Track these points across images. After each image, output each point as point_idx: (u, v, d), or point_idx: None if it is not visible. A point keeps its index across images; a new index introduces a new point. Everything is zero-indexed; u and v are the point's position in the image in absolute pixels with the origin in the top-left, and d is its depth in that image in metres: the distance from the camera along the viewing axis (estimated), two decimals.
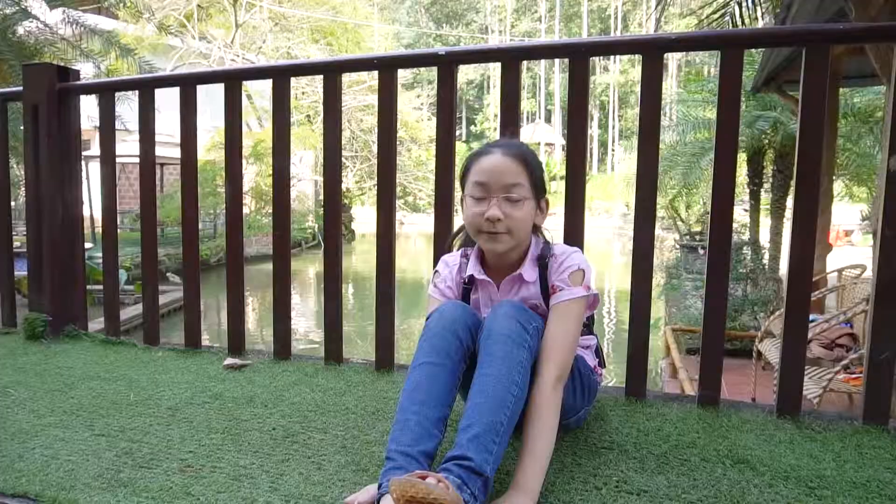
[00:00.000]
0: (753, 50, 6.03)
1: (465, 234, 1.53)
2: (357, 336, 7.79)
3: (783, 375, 1.63)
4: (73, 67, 2.46)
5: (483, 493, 1.07)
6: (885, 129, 1.57)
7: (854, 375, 3.30)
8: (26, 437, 1.48)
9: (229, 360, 2.07)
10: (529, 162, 1.36)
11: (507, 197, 1.33)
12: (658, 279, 8.19)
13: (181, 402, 1.71)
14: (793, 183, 1.62)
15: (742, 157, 8.50)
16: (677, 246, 11.39)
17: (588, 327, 1.51)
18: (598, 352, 1.56)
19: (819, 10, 3.67)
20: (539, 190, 1.39)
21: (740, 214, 9.80)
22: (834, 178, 6.45)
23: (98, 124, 2.36)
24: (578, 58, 1.77)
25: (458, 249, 1.54)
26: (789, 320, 1.62)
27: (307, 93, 19.95)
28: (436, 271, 1.53)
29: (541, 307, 1.39)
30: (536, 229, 1.45)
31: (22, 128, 2.41)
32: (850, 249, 13.03)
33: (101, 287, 2.45)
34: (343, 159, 2.14)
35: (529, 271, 1.40)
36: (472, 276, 1.45)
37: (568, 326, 1.31)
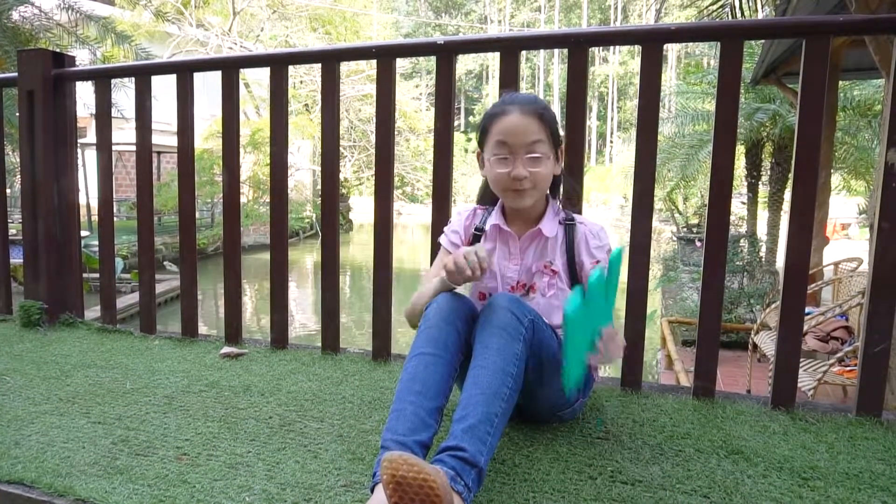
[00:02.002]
0: (753, 42, 6.00)
1: (482, 192, 1.60)
2: (354, 326, 7.80)
3: (778, 367, 1.64)
4: (69, 54, 2.44)
5: (476, 484, 1.08)
6: (883, 123, 1.57)
7: (849, 368, 3.32)
8: (22, 425, 1.48)
9: (226, 349, 2.07)
10: (546, 118, 1.40)
11: (529, 156, 1.38)
12: (655, 271, 8.21)
13: (178, 390, 1.71)
14: (791, 176, 1.62)
15: (740, 150, 8.51)
16: (674, 238, 11.40)
17: None
18: None
19: (820, 2, 3.66)
20: (556, 141, 1.44)
21: (738, 207, 9.82)
22: (832, 171, 6.46)
23: (94, 111, 2.34)
24: (577, 48, 1.76)
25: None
26: (785, 313, 1.62)
27: (305, 82, 19.85)
28: (450, 221, 1.61)
29: (555, 265, 1.44)
30: (556, 182, 1.53)
31: (17, 114, 2.40)
32: (847, 243, 13.06)
33: (97, 275, 2.44)
34: (341, 149, 2.14)
35: (549, 226, 1.46)
36: (482, 228, 1.52)
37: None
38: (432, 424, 1.17)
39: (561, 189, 1.60)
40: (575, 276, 1.46)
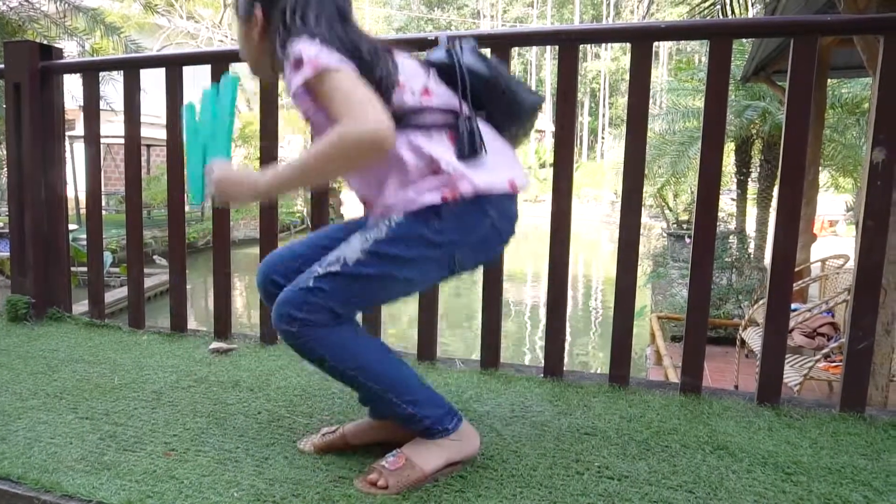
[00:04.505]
0: (744, 39, 6.03)
1: None
2: None
3: (764, 363, 1.65)
4: (57, 45, 2.41)
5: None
6: (869, 122, 1.58)
7: (834, 363, 3.36)
8: (9, 420, 1.47)
9: (215, 344, 2.07)
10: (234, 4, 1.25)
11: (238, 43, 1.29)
12: (645, 267, 8.24)
13: (166, 385, 1.71)
14: (779, 173, 1.64)
15: (730, 147, 8.55)
16: (665, 234, 11.46)
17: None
18: (463, 145, 1.17)
19: (808, 1, 3.68)
20: (248, 9, 1.21)
21: (727, 203, 9.88)
22: (820, 168, 6.51)
23: (82, 104, 2.32)
24: (568, 45, 1.77)
25: None
26: (771, 309, 1.64)
27: None
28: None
29: (311, 112, 1.18)
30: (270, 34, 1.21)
31: (4, 106, 2.37)
32: (834, 239, 13.18)
33: (85, 269, 2.42)
34: None
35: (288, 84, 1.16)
36: None
37: (331, 109, 1.08)
38: None
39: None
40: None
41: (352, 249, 1.18)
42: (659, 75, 27.32)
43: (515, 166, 1.26)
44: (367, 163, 1.13)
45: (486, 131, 1.22)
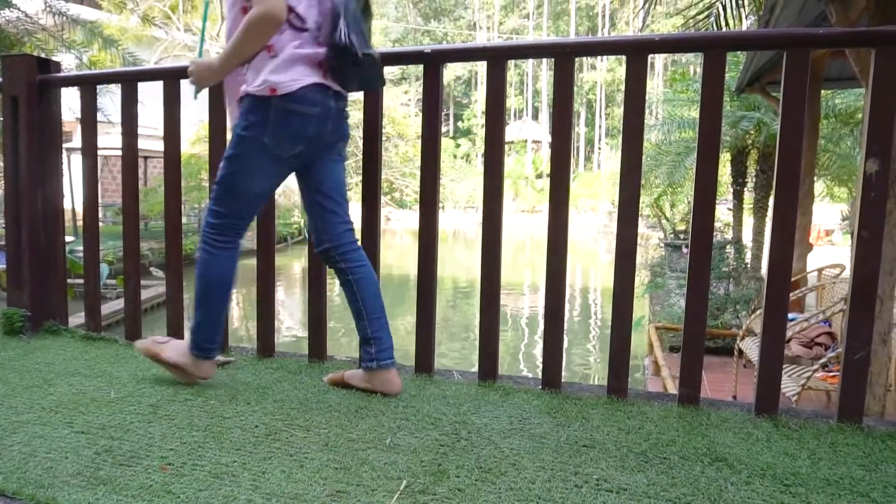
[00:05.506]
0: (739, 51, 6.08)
1: None
2: (342, 334, 7.77)
3: (761, 374, 1.66)
4: (55, 59, 2.42)
5: None
6: (862, 133, 1.60)
7: (832, 373, 3.35)
8: (4, 434, 1.46)
9: None
10: None
11: None
12: (643, 277, 8.25)
13: (163, 399, 1.70)
14: (774, 183, 1.65)
15: (726, 157, 8.58)
16: (662, 244, 11.48)
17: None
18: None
19: (802, 14, 3.72)
20: None
21: (724, 213, 9.90)
22: (815, 178, 6.54)
23: (80, 116, 2.32)
24: (564, 58, 1.78)
25: None
26: (768, 319, 1.64)
27: None
28: None
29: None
30: None
31: (1, 119, 2.38)
32: (830, 249, 13.22)
33: (81, 281, 2.42)
34: None
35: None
36: None
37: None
38: None
39: None
40: None
41: None
42: (655, 86, 27.48)
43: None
44: (269, 36, 1.55)
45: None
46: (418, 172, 1.95)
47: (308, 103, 1.60)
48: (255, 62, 1.61)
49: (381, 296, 1.80)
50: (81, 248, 2.44)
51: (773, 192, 1.62)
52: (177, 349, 1.79)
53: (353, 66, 1.61)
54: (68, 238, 3.02)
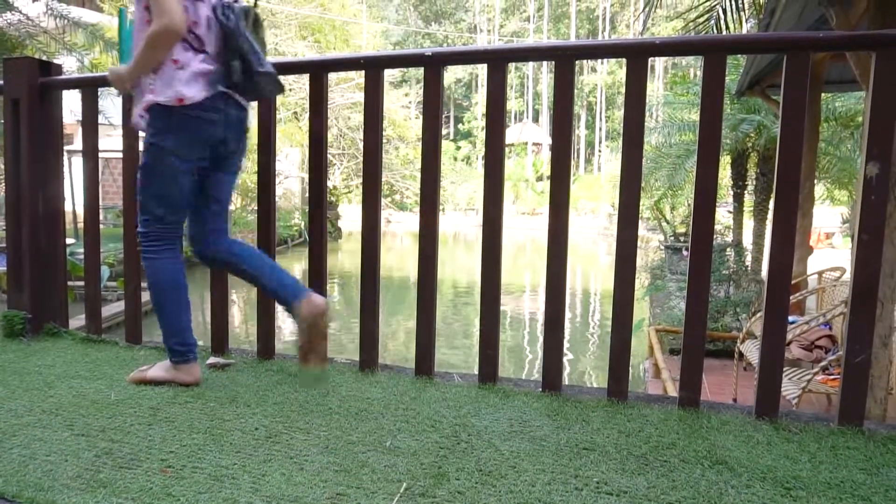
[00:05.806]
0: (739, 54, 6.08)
1: None
2: (342, 335, 7.76)
3: (762, 377, 1.65)
4: (56, 61, 2.43)
5: None
6: (863, 137, 1.60)
7: (832, 376, 3.35)
8: (4, 437, 1.46)
9: (212, 360, 2.06)
10: None
11: None
12: (643, 280, 8.25)
13: (163, 401, 1.70)
14: (774, 186, 1.65)
15: (726, 160, 8.59)
16: (662, 247, 11.49)
17: None
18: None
19: (802, 17, 3.72)
20: None
21: (724, 216, 9.91)
22: (816, 181, 6.54)
23: (81, 119, 2.33)
24: (564, 61, 1.78)
25: None
26: (768, 322, 1.64)
27: (294, 89, 19.81)
28: None
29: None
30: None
31: (3, 122, 2.38)
32: (831, 252, 13.21)
33: (82, 283, 2.42)
34: (330, 157, 2.14)
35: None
36: None
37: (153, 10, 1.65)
38: None
39: None
40: None
41: None
42: (655, 89, 27.52)
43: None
44: (169, 47, 1.67)
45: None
46: (419, 175, 1.96)
47: (210, 110, 1.74)
48: (163, 75, 1.71)
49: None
50: (82, 250, 2.45)
51: (773, 195, 1.62)
52: (159, 366, 1.88)
53: (250, 81, 1.76)
54: (69, 240, 3.02)
